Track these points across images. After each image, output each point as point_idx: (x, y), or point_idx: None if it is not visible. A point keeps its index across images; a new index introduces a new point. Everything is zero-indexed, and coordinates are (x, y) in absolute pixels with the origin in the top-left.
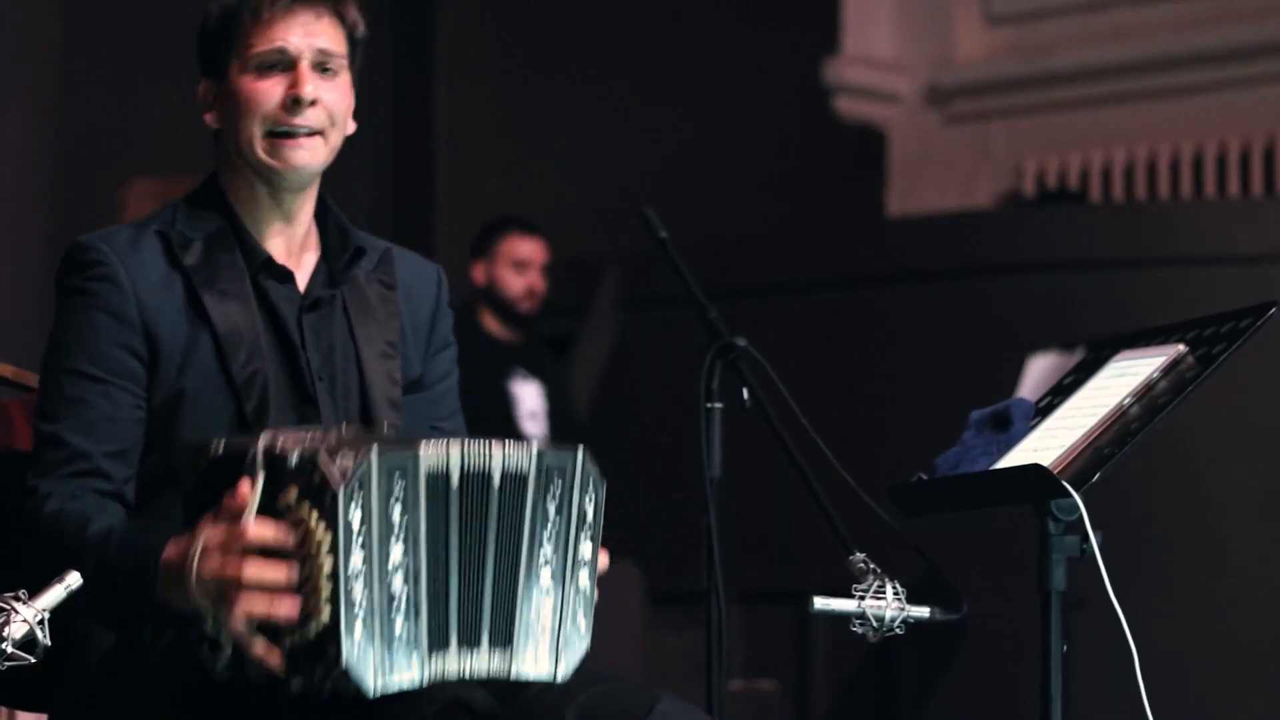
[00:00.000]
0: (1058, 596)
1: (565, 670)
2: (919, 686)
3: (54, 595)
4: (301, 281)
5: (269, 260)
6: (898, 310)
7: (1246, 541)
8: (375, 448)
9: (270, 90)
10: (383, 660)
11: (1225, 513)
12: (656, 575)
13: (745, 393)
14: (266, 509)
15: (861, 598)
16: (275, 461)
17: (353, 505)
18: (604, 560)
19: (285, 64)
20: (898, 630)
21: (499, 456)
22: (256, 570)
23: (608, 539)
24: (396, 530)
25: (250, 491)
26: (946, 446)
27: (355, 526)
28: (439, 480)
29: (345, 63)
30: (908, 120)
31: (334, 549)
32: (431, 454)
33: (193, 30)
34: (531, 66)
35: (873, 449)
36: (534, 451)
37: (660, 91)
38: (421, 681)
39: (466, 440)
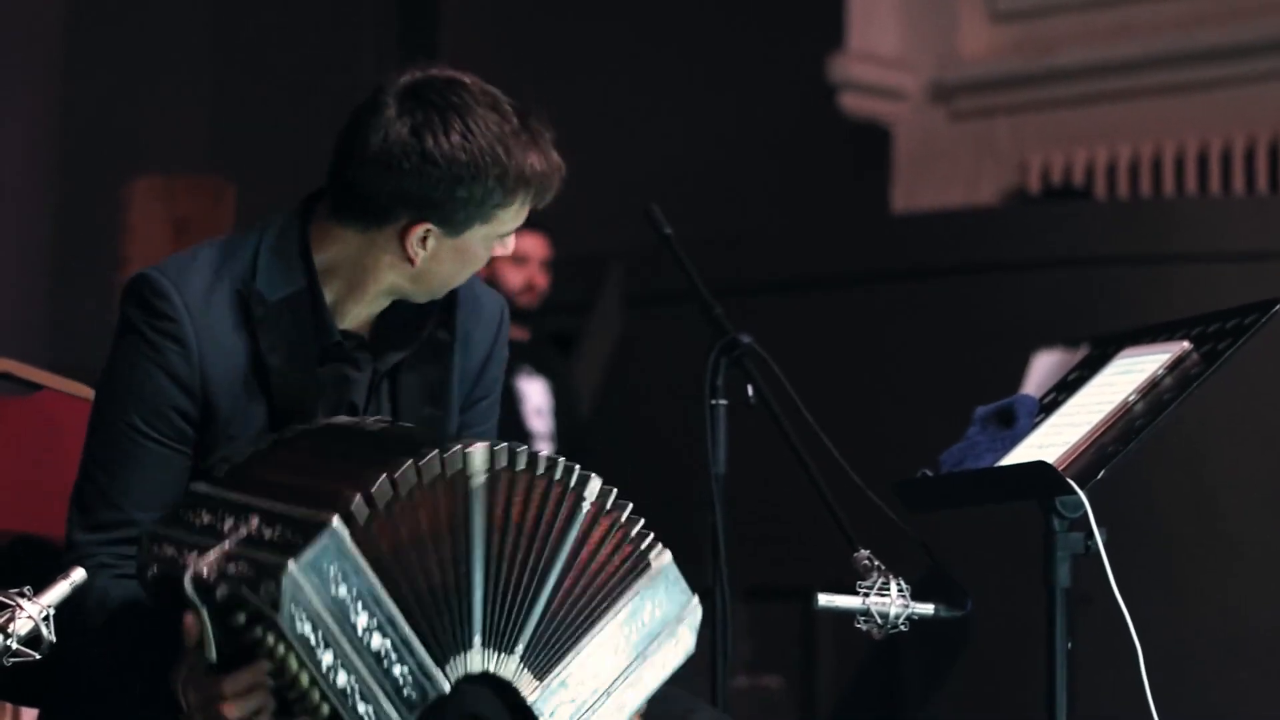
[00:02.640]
0: (1062, 593)
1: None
2: (924, 683)
3: (59, 591)
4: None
5: (341, 341)
6: (902, 307)
7: (1251, 538)
8: (290, 562)
9: (492, 250)
10: (399, 707)
11: (1230, 509)
12: None
13: (750, 389)
14: (225, 631)
15: (866, 594)
16: (208, 594)
17: (298, 621)
18: None
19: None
20: (902, 627)
21: (595, 487)
22: (241, 705)
23: None
24: (350, 604)
25: (200, 629)
26: (951, 443)
27: (309, 634)
28: (366, 534)
29: None
30: (913, 117)
31: (301, 662)
32: (336, 533)
33: (194, 29)
34: (535, 63)
35: (877, 445)
36: (668, 555)
37: (665, 88)
38: (442, 693)
39: (511, 445)
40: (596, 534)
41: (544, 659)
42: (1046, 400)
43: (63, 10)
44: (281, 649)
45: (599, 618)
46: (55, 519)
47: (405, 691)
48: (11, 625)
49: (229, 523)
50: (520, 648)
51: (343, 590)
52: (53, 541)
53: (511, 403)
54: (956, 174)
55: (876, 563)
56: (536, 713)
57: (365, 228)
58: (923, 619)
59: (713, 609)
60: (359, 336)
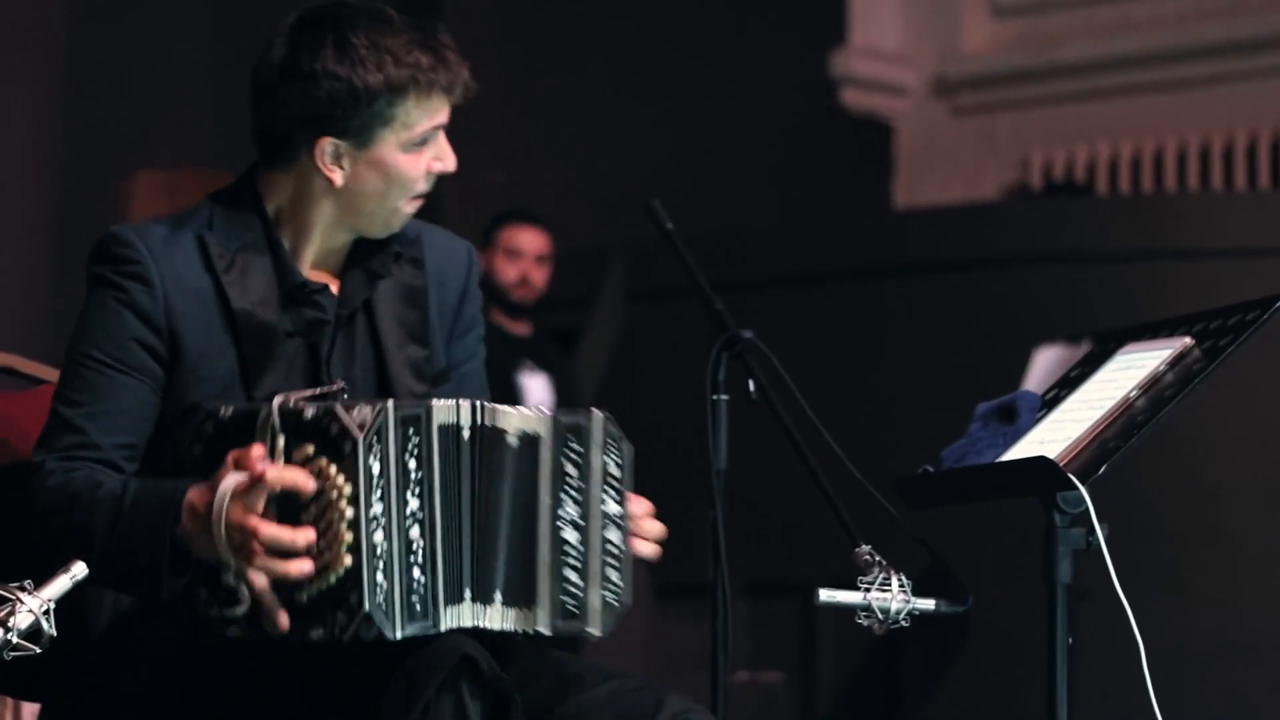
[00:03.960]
0: (1063, 589)
1: (600, 625)
2: (924, 678)
3: (60, 585)
4: (333, 287)
5: (304, 282)
6: (904, 302)
7: (1252, 534)
8: (390, 401)
9: (423, 164)
10: (403, 608)
11: (1231, 505)
12: (662, 567)
13: (751, 385)
14: (285, 462)
15: (867, 590)
16: (290, 418)
17: (371, 455)
18: (658, 527)
19: (434, 137)
20: (903, 623)
21: (514, 416)
22: (273, 530)
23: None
24: (412, 481)
25: (262, 451)
26: (952, 439)
27: (375, 475)
28: (450, 434)
29: None
30: (914, 112)
31: (355, 498)
32: (444, 409)
33: (196, 23)
34: (537, 58)
35: (879, 441)
36: (548, 416)
37: (666, 83)
38: (437, 630)
39: (480, 400)
40: (523, 459)
41: (522, 588)
42: (1048, 396)
43: (65, 4)
44: (342, 478)
45: (537, 516)
46: None
47: (413, 599)
48: (12, 619)
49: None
50: (497, 595)
51: (413, 464)
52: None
53: (513, 398)
54: (958, 170)
55: (877, 558)
56: (565, 634)
57: (286, 165)
58: (924, 614)
59: (714, 604)
60: (320, 284)
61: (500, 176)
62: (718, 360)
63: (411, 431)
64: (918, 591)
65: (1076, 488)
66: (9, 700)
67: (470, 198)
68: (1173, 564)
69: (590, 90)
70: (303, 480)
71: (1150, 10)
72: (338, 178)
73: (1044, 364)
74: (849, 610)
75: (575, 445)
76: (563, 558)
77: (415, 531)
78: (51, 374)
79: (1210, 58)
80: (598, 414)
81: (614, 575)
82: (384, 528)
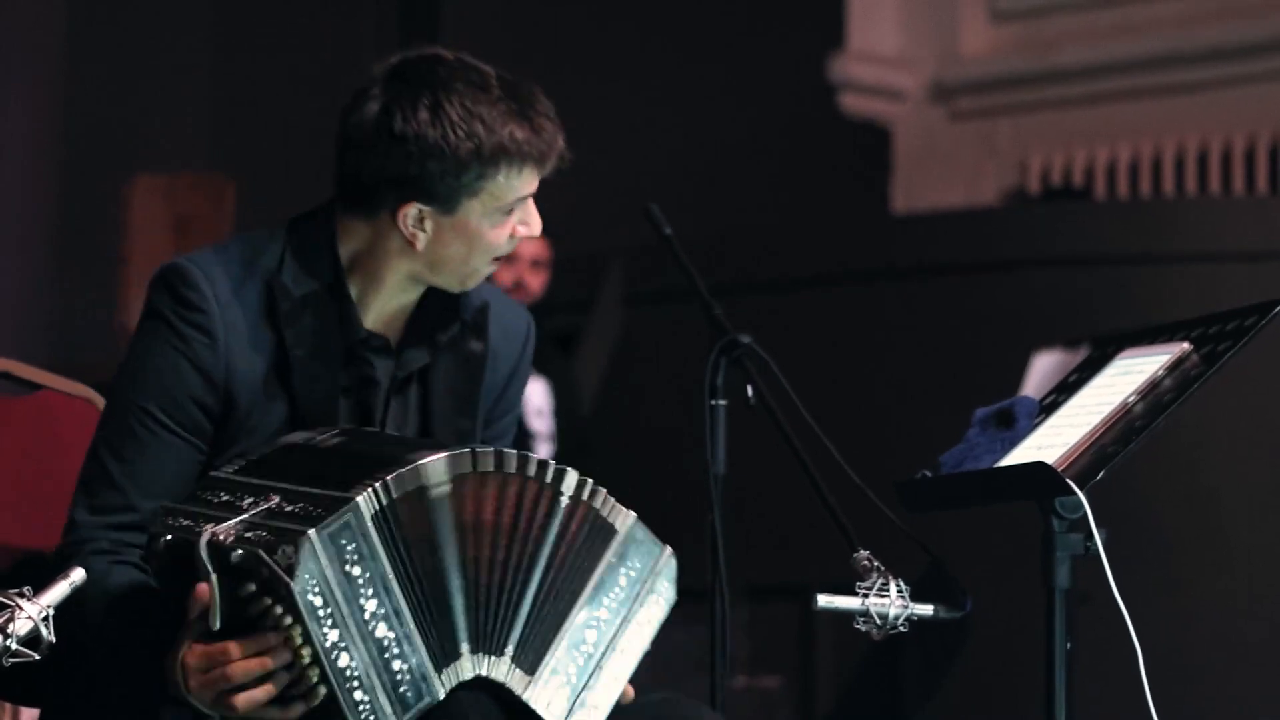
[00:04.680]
0: (1062, 594)
1: None
2: (923, 684)
3: (59, 592)
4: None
5: (369, 335)
6: (902, 307)
7: (1250, 539)
8: (312, 531)
9: (508, 230)
10: (393, 704)
11: (1229, 510)
12: None
13: (750, 389)
14: (231, 600)
15: (865, 595)
16: (222, 558)
17: (309, 591)
18: (629, 691)
19: (522, 203)
20: (901, 628)
21: (571, 481)
22: (243, 669)
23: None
24: (361, 588)
25: (208, 592)
26: (951, 443)
27: (319, 608)
28: (405, 505)
29: None
30: (913, 117)
31: (306, 636)
32: (373, 496)
33: (196, 27)
34: (536, 62)
35: (877, 446)
36: (632, 516)
37: (665, 87)
38: (435, 700)
39: (478, 449)
40: (574, 525)
41: (533, 653)
42: (1046, 401)
43: (64, 8)
44: (289, 620)
45: (576, 597)
46: (55, 518)
47: (402, 689)
48: (11, 625)
49: (248, 500)
50: (510, 649)
51: (357, 570)
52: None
53: None
54: (956, 174)
55: (876, 563)
56: (533, 707)
57: (366, 216)
58: (922, 620)
59: (712, 609)
60: (383, 338)
61: None
62: (716, 364)
63: (345, 542)
64: (916, 596)
65: (1075, 493)
66: (7, 706)
67: None
68: (1171, 569)
69: (589, 94)
70: (263, 645)
71: (1149, 14)
72: (420, 242)
73: (1042, 369)
74: (847, 615)
75: (638, 564)
76: (575, 651)
77: (383, 629)
78: (50, 378)
79: (1209, 62)
80: (669, 551)
81: (602, 693)
82: (346, 649)
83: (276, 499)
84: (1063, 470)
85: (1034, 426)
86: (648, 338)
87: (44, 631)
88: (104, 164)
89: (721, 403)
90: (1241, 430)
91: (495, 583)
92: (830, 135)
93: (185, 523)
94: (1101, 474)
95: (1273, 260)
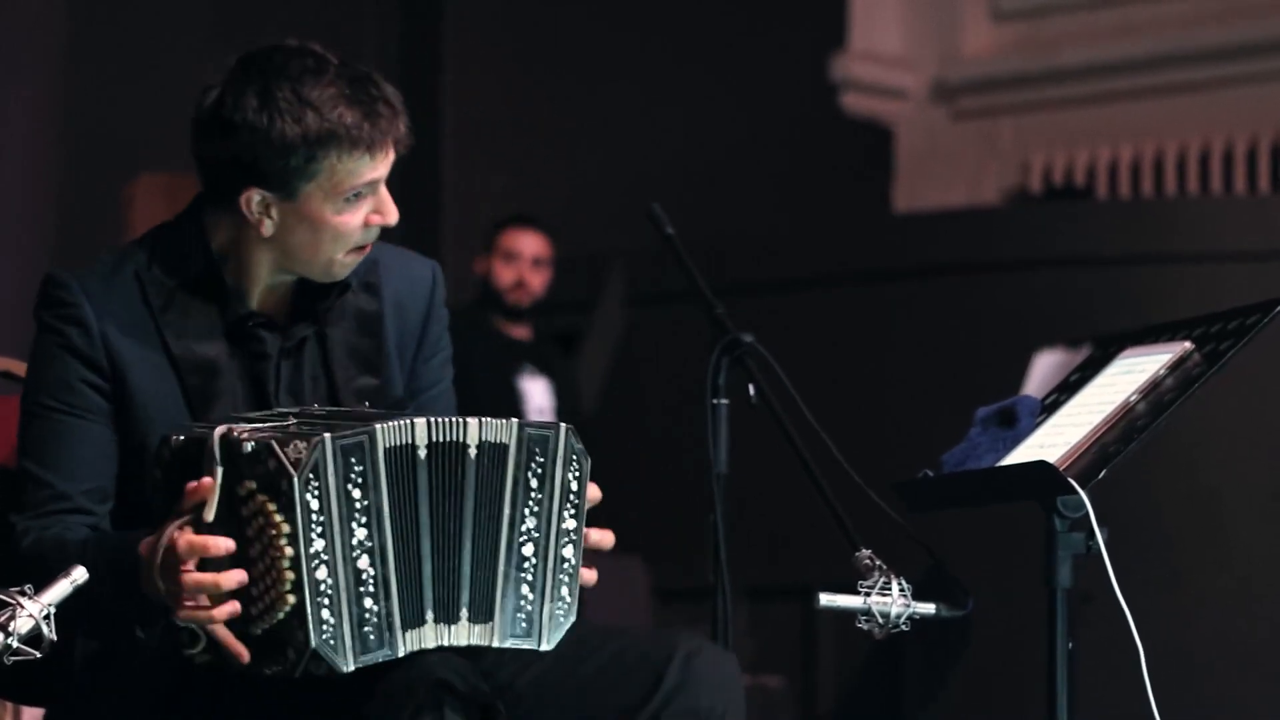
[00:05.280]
0: (1063, 593)
1: (550, 641)
2: (925, 682)
3: (59, 590)
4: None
5: (251, 314)
6: (904, 307)
7: (1252, 538)
8: (328, 433)
9: (357, 218)
10: (354, 640)
11: (1231, 509)
12: (663, 571)
13: (752, 389)
14: (228, 497)
15: (867, 594)
16: (232, 451)
17: (309, 491)
18: (608, 538)
19: (370, 191)
20: (903, 626)
21: (474, 428)
22: (194, 577)
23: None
24: (358, 512)
25: (210, 484)
26: (953, 443)
27: (313, 511)
28: (403, 455)
29: None
30: (915, 116)
31: (293, 536)
32: (391, 431)
33: (196, 24)
34: (538, 63)
35: (879, 445)
36: (514, 425)
37: (667, 88)
38: (395, 657)
39: (437, 417)
40: (485, 473)
41: (483, 603)
42: (1048, 400)
43: (64, 8)
44: (280, 517)
45: (499, 528)
46: None
47: (366, 630)
48: (12, 624)
49: (269, 422)
50: (464, 612)
51: (358, 494)
52: None
53: (514, 402)
54: (958, 174)
55: (878, 562)
56: (505, 647)
57: (223, 205)
58: (924, 619)
59: (714, 608)
60: (265, 316)
61: (500, 182)
62: (718, 364)
63: (354, 460)
64: (918, 595)
65: (1076, 492)
66: (8, 705)
67: (469, 203)
68: (1173, 568)
69: (592, 95)
70: (214, 546)
71: (1150, 14)
72: (266, 228)
73: (1044, 368)
74: (849, 614)
75: (539, 458)
76: (520, 573)
77: (364, 561)
78: None
79: (1210, 62)
80: (563, 427)
81: (564, 591)
82: (327, 563)
83: (294, 421)
84: (1064, 469)
85: (1035, 426)
86: (649, 337)
87: (45, 630)
88: (105, 163)
89: (723, 402)
90: (1243, 429)
91: (446, 552)
92: (832, 135)
93: (199, 429)
94: (1103, 473)
95: (1274, 260)
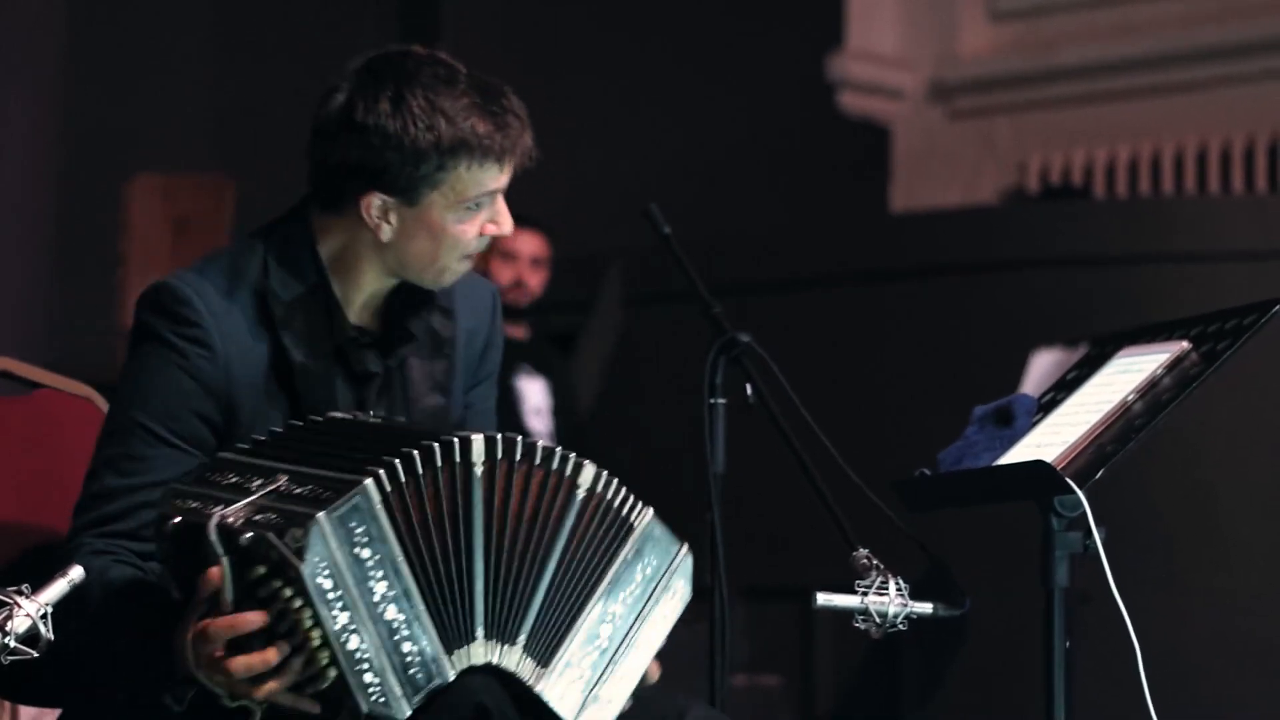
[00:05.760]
0: (1061, 592)
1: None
2: (922, 682)
3: (57, 589)
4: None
5: (359, 333)
6: (901, 306)
7: (1250, 538)
8: (320, 512)
9: (475, 227)
10: (403, 686)
11: (1229, 509)
12: None
13: (749, 388)
14: (240, 583)
15: (865, 593)
16: (231, 540)
17: (319, 575)
18: (655, 670)
19: (490, 201)
20: (901, 626)
21: (588, 474)
22: (243, 662)
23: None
24: (370, 569)
25: (219, 574)
26: (950, 442)
27: (327, 591)
28: (418, 484)
29: None
30: (912, 116)
31: (316, 618)
32: (381, 478)
33: (196, 27)
34: (536, 63)
35: (876, 444)
36: (649, 512)
37: (664, 88)
38: (449, 681)
39: (510, 436)
40: (588, 517)
41: (546, 645)
42: (1045, 399)
43: (64, 8)
44: (299, 603)
45: (592, 591)
46: (54, 516)
47: (412, 671)
48: (10, 623)
49: (256, 481)
50: (522, 638)
51: (366, 553)
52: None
53: (511, 402)
54: (955, 173)
55: (875, 562)
56: (546, 700)
57: (337, 210)
58: (921, 618)
59: (711, 608)
60: (370, 332)
61: None
62: (715, 364)
63: (354, 525)
64: (915, 595)
65: (1074, 491)
66: (6, 705)
67: None
68: (1170, 567)
69: (588, 95)
70: (242, 620)
71: (1148, 14)
72: (384, 233)
73: (1041, 367)
74: (847, 614)
75: (655, 560)
76: (589, 645)
77: (392, 611)
78: (49, 377)
79: (1208, 61)
80: (686, 548)
81: (616, 686)
82: (356, 631)
83: (284, 480)
84: (1062, 468)
85: (1033, 425)
86: (647, 337)
87: (42, 629)
88: (104, 164)
89: (721, 402)
90: (1240, 429)
91: (513, 571)
92: (829, 134)
93: (194, 505)
94: (1100, 472)
95: (1272, 259)
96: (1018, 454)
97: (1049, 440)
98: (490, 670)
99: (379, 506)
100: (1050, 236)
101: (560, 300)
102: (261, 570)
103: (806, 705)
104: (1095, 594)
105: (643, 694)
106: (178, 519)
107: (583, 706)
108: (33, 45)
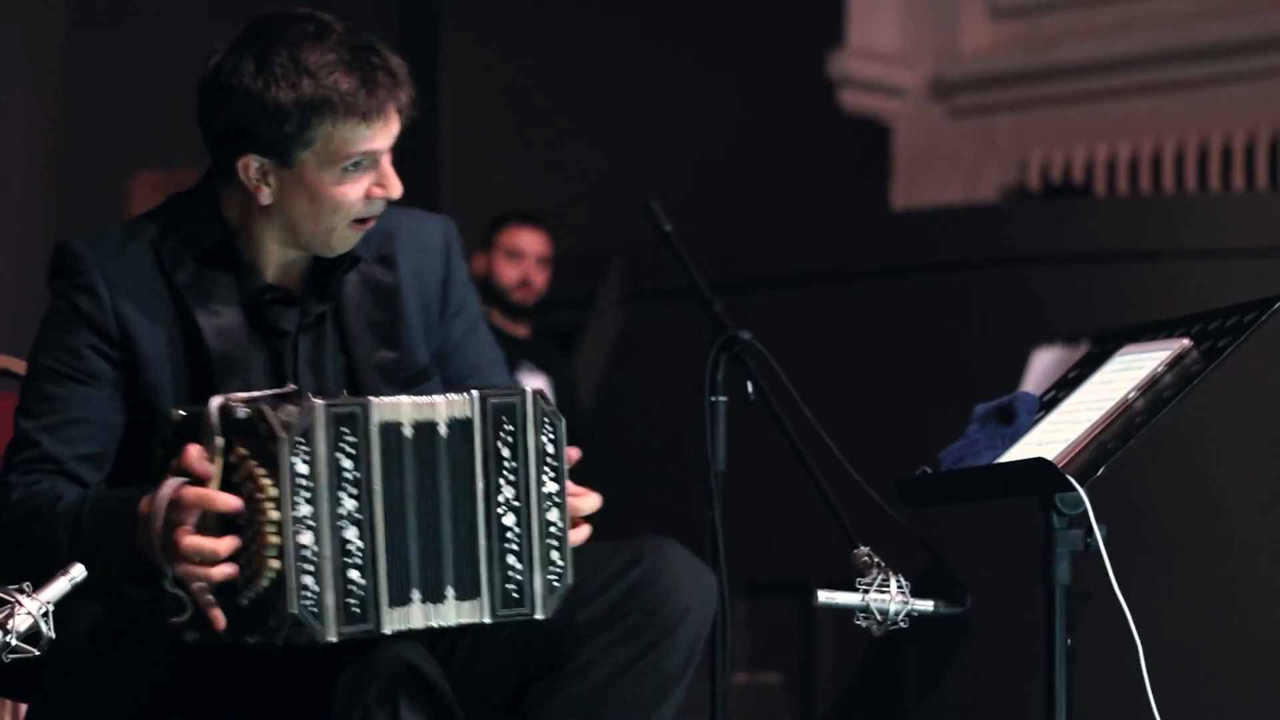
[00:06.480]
0: (1062, 590)
1: (544, 609)
2: (923, 680)
3: (58, 588)
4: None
5: (268, 286)
6: (902, 304)
7: (1251, 535)
8: (321, 400)
9: (357, 189)
10: (337, 610)
11: (1230, 506)
12: None
13: (750, 386)
14: (223, 467)
15: (866, 591)
16: (228, 420)
17: (296, 455)
18: (592, 500)
19: (371, 162)
20: (902, 624)
21: (442, 406)
22: (193, 540)
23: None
24: (347, 482)
25: (205, 452)
26: (951, 440)
27: (300, 475)
28: (392, 433)
29: None
30: (912, 113)
31: (279, 500)
32: (385, 407)
33: (196, 24)
34: (537, 59)
35: (877, 442)
36: (475, 396)
37: (665, 84)
38: (379, 633)
39: (420, 397)
40: (457, 446)
41: (470, 579)
42: (1046, 397)
43: (64, 8)
44: (269, 481)
45: (474, 500)
46: None
47: (349, 601)
48: (11, 621)
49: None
50: (450, 590)
51: (349, 464)
52: None
53: None
54: (956, 170)
55: (876, 559)
56: (507, 620)
57: (224, 176)
58: (922, 616)
59: None
60: (283, 289)
61: (498, 178)
62: (716, 361)
63: (345, 430)
64: (916, 592)
65: (1075, 489)
66: (7, 703)
67: (468, 199)
68: (1171, 565)
69: (589, 91)
70: (221, 501)
71: (1149, 11)
72: (263, 195)
73: (1042, 365)
74: (848, 611)
75: (508, 426)
76: (504, 544)
77: (352, 533)
78: None
79: (1208, 58)
80: (528, 391)
81: (555, 556)
82: (313, 529)
83: (296, 392)
84: (1063, 466)
85: (1034, 423)
86: (647, 334)
87: (44, 627)
88: (105, 160)
89: (721, 399)
90: (1242, 426)
91: (429, 532)
92: (830, 132)
93: (199, 407)
94: (1102, 470)
95: (1273, 256)
96: (1019, 452)
97: (1050, 438)
98: (429, 633)
99: (375, 428)
100: (1051, 234)
101: (561, 297)
102: (244, 452)
103: (807, 703)
104: (1096, 592)
105: (599, 550)
106: (182, 412)
107: (534, 593)
108: (33, 45)
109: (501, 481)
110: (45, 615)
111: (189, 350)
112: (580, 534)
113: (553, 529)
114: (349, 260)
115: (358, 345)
